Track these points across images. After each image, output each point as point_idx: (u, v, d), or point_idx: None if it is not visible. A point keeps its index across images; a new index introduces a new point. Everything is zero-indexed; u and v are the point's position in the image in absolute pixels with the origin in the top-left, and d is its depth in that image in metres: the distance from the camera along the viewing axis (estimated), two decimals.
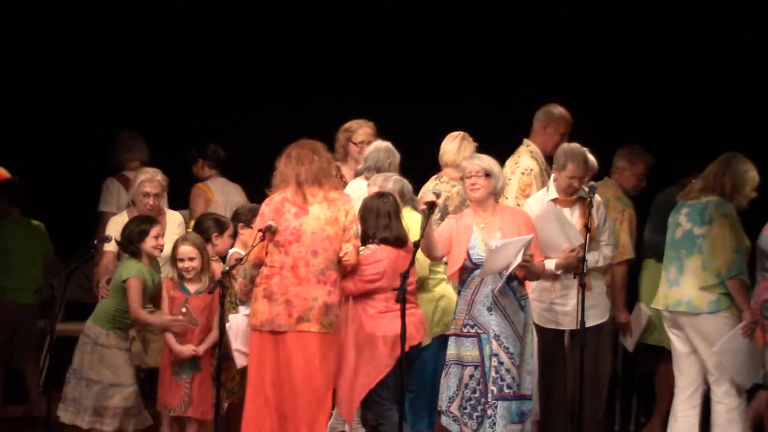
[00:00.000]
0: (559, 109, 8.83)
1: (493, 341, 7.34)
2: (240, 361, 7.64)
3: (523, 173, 8.59)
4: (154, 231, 7.84)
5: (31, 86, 10.71)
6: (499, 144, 8.50)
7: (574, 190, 7.94)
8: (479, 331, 7.38)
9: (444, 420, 7.46)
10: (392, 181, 7.83)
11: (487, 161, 7.57)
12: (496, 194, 7.61)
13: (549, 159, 8.48)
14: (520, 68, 10.25)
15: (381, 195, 7.60)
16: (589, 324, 7.61)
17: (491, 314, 7.37)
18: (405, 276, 6.99)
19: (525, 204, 8.14)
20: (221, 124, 10.22)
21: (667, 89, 10.09)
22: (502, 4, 10.34)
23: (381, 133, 8.82)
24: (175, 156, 9.69)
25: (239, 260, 7.32)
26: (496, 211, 7.57)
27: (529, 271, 7.45)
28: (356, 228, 7.47)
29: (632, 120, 9.98)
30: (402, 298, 6.93)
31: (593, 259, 7.86)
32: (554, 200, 7.97)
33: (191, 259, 7.73)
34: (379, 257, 7.46)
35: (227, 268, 7.55)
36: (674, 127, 9.97)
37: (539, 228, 7.63)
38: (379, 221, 7.48)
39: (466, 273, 7.49)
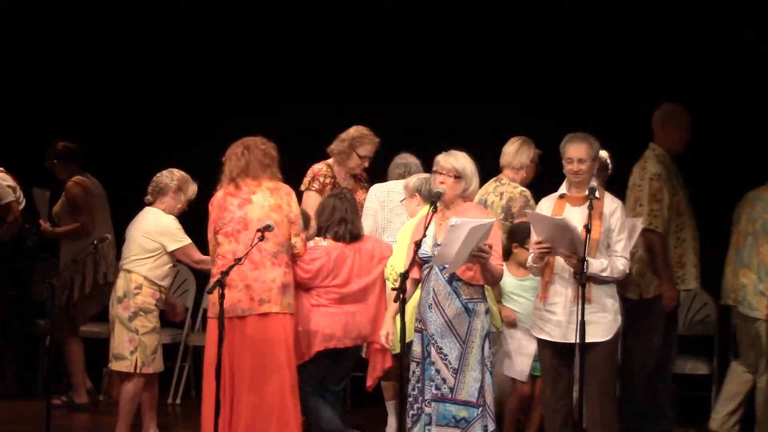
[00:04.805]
0: (674, 107, 8.60)
1: (430, 339, 7.12)
2: None
3: (651, 179, 8.39)
4: None
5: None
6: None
7: (580, 178, 7.24)
8: (423, 327, 7.17)
9: None
10: (416, 179, 8.03)
11: (462, 162, 7.12)
12: (465, 197, 7.17)
13: (678, 157, 8.50)
14: (520, 67, 10.25)
15: (337, 194, 7.95)
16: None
17: (431, 311, 7.12)
18: (405, 276, 6.91)
19: (538, 204, 7.55)
20: (220, 125, 10.20)
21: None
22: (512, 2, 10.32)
23: (378, 133, 8.85)
24: (175, 156, 9.68)
25: (237, 260, 7.31)
26: (460, 208, 7.14)
27: (484, 268, 7.03)
28: (301, 222, 7.80)
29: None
30: (401, 298, 6.87)
31: (598, 265, 7.17)
32: (563, 197, 7.35)
33: None
34: (317, 255, 7.81)
35: (226, 270, 7.53)
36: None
37: (538, 231, 7.22)
38: (333, 217, 7.87)
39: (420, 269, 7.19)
